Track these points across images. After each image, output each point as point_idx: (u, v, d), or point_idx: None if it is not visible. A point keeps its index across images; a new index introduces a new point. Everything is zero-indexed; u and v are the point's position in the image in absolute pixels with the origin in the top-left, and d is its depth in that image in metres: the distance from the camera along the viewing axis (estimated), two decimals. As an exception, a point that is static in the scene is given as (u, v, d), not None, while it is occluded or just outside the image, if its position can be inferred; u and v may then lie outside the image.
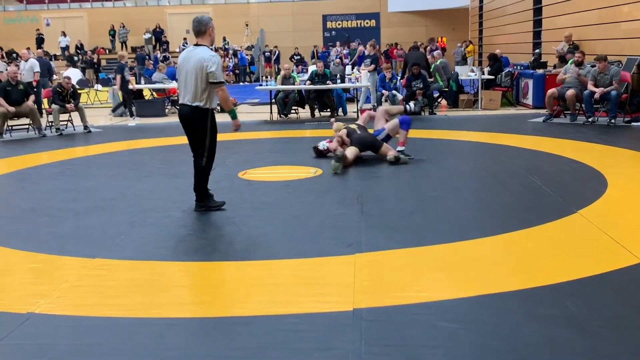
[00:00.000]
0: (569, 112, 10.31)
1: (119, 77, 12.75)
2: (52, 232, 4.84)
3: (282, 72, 12.68)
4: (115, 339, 2.97)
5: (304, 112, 12.77)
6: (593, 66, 10.04)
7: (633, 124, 9.58)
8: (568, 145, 8.06)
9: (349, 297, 3.37)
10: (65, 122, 11.08)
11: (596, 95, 9.63)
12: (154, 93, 14.52)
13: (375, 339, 2.88)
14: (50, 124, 10.91)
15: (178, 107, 5.45)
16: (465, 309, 3.20)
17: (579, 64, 10.24)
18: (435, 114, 12.25)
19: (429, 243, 4.26)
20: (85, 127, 10.96)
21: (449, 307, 3.23)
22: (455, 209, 5.19)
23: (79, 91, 16.58)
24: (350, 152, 7.10)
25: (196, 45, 5.15)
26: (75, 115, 11.15)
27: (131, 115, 13.09)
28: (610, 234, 4.28)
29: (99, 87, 19.09)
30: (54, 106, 10.79)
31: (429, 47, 16.33)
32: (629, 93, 9.89)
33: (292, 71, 13.65)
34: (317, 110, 12.34)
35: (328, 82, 12.10)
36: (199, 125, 5.08)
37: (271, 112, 12.31)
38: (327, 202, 5.61)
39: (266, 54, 28.20)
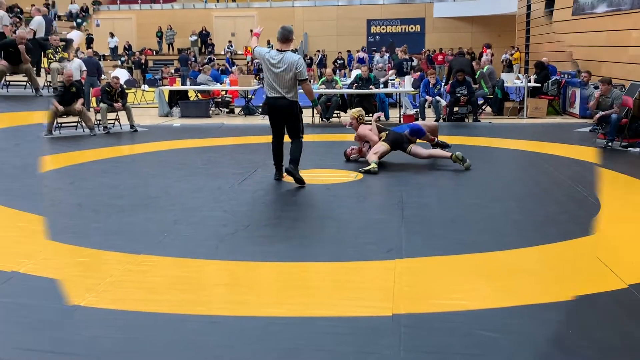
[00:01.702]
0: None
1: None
2: (98, 227, 4.97)
3: (325, 77, 12.74)
4: (159, 334, 3.04)
5: (346, 117, 12.79)
6: (597, 87, 9.85)
7: (630, 149, 9.23)
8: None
9: (388, 302, 3.37)
10: (113, 121, 11.34)
11: (595, 118, 9.46)
12: (198, 95, 14.75)
13: (414, 345, 2.88)
14: (98, 122, 11.18)
15: (270, 100, 6.47)
16: (504, 318, 3.17)
17: (584, 85, 10.10)
18: (479, 120, 12.12)
19: (469, 251, 4.23)
20: (132, 126, 11.19)
21: (487, 316, 3.20)
22: (497, 217, 5.13)
23: (126, 91, 16.99)
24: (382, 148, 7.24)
25: (280, 50, 6.31)
26: (122, 115, 11.40)
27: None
28: (601, 258, 4.14)
29: (146, 87, 19.47)
30: (102, 105, 11.05)
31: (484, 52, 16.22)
32: (629, 118, 9.61)
33: (336, 75, 13.69)
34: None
35: (371, 86, 12.09)
36: (295, 112, 6.41)
37: (313, 116, 12.36)
38: (367, 206, 5.62)
39: (310, 58, 28.29)
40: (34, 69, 10.97)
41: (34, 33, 12.05)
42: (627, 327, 3.05)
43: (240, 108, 14.50)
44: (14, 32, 12.48)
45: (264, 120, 13.16)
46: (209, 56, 28.86)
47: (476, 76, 12.84)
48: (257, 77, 23.63)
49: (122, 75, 17.68)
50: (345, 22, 30.44)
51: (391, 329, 3.04)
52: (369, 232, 4.69)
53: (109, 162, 8.04)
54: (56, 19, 26.33)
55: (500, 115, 12.96)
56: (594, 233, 4.59)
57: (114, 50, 29.60)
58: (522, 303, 3.35)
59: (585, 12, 14.08)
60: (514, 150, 8.71)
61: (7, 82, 10.54)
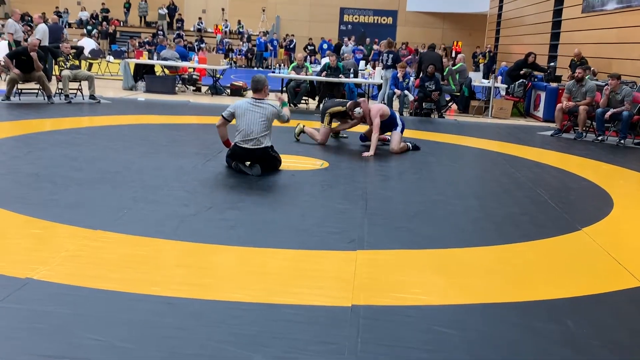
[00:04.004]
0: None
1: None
2: (54, 199, 4.83)
3: (295, 62, 12.65)
4: (113, 312, 2.97)
5: (314, 103, 12.76)
6: (606, 84, 10.01)
7: None
8: (576, 162, 8.06)
9: (348, 292, 3.36)
10: (75, 91, 11.06)
11: (607, 115, 9.62)
12: (165, 70, 14.49)
13: (372, 337, 2.88)
14: (59, 90, 10.89)
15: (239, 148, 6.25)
16: (462, 315, 3.20)
17: (579, 80, 10.21)
18: (444, 117, 12.23)
19: (430, 246, 4.25)
20: (93, 96, 10.93)
21: (445, 312, 3.22)
22: (459, 214, 5.18)
23: (90, 60, 16.60)
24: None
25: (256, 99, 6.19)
26: (84, 85, 11.13)
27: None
28: (613, 254, 4.27)
29: (111, 58, 19.05)
30: (64, 73, 10.77)
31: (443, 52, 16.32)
32: None
33: (305, 61, 13.61)
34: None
35: (340, 75, 12.06)
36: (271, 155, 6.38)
37: (281, 100, 12.28)
38: (331, 195, 5.60)
39: (285, 42, 28.12)
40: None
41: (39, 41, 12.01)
42: (576, 332, 3.11)
43: (207, 87, 14.31)
44: (26, 40, 12.59)
45: (231, 101, 13.03)
46: (177, 32, 28.40)
47: (444, 73, 12.93)
48: (226, 57, 23.35)
49: (89, 44, 17.27)
50: (318, 8, 30.31)
51: (350, 320, 3.03)
52: (332, 222, 4.68)
53: (68, 133, 7.83)
54: (67, 26, 25.78)
55: (466, 114, 13.10)
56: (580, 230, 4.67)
57: (85, 22, 28.97)
58: (480, 301, 3.39)
59: (595, 9, 14.13)
60: (477, 149, 8.81)
61: (19, 90, 10.43)
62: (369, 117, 7.78)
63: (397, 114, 8.35)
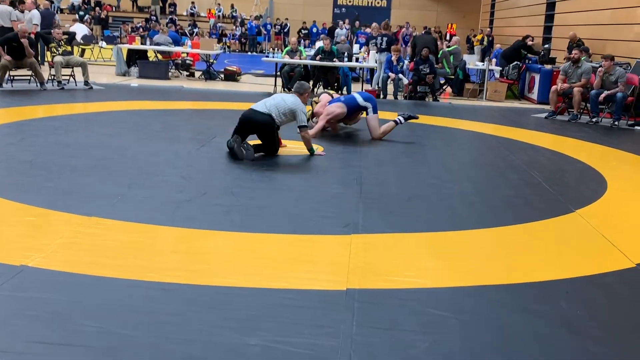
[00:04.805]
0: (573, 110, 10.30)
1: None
2: (49, 186, 4.82)
3: (289, 46, 12.59)
4: (109, 298, 2.97)
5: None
6: (600, 65, 9.99)
7: (636, 127, 9.58)
8: (570, 144, 8.07)
9: (343, 276, 3.37)
10: (68, 77, 10.99)
11: (601, 97, 9.62)
12: (158, 55, 14.40)
13: (367, 320, 2.89)
14: (52, 77, 10.82)
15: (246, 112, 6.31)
16: (457, 298, 3.22)
17: (576, 62, 10.19)
18: (438, 100, 12.21)
19: (425, 230, 4.27)
20: (87, 82, 10.87)
21: (440, 295, 3.24)
22: (453, 198, 5.19)
23: (82, 46, 16.46)
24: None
25: None
26: (77, 71, 11.06)
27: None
28: (607, 236, 4.29)
29: (103, 44, 18.90)
30: (56, 59, 10.69)
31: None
32: (635, 96, 9.86)
33: (300, 45, 13.55)
34: (321, 87, 12.27)
35: (335, 59, 12.00)
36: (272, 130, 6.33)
37: (275, 85, 12.25)
38: (326, 180, 5.61)
39: (277, 26, 27.96)
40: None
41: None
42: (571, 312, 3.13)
43: (200, 72, 14.24)
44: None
45: (225, 86, 12.98)
46: (170, 16, 28.20)
47: (439, 55, 12.89)
48: (220, 42, 23.21)
49: (81, 30, 17.12)
50: (312, -9, 30.09)
51: (345, 304, 3.05)
52: (327, 206, 4.69)
53: (62, 120, 7.79)
54: (58, 12, 25.53)
55: (460, 96, 13.08)
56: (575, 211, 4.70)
57: (77, 8, 28.74)
58: (474, 284, 3.41)
59: None
60: (472, 132, 8.81)
61: (12, 77, 10.39)
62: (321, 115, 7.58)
63: (359, 97, 7.66)
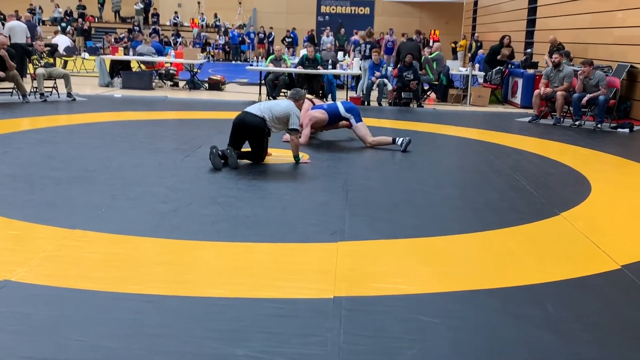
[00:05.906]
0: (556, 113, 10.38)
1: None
2: (32, 199, 4.77)
3: (274, 54, 12.59)
4: (93, 311, 2.94)
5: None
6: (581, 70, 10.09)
7: (619, 130, 9.68)
8: (554, 147, 8.12)
9: (330, 284, 3.36)
10: (50, 89, 10.92)
11: (584, 101, 9.71)
12: (141, 65, 14.34)
13: (354, 328, 2.88)
14: (34, 89, 10.74)
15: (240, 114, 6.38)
16: (444, 304, 3.22)
17: (557, 66, 10.29)
18: (422, 106, 12.26)
19: (411, 236, 4.27)
20: (70, 94, 10.80)
21: (428, 301, 3.24)
22: (439, 203, 5.20)
23: (65, 58, 16.37)
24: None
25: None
26: (60, 83, 10.99)
27: None
28: (592, 238, 4.32)
29: (86, 55, 18.81)
30: (38, 71, 10.62)
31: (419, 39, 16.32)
32: (617, 99, 9.97)
33: (284, 53, 13.56)
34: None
35: (319, 67, 12.02)
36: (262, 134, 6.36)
37: (260, 93, 12.24)
38: (312, 188, 5.60)
39: (260, 34, 27.99)
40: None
41: (9, 38, 11.84)
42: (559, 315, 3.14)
43: (184, 82, 14.20)
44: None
45: (209, 95, 12.95)
46: (153, 26, 28.14)
47: (421, 61, 12.95)
48: (204, 51, 23.17)
49: (63, 41, 17.03)
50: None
51: (332, 312, 3.04)
52: (314, 214, 4.68)
53: (45, 132, 7.73)
54: (40, 24, 25.42)
55: (444, 102, 13.15)
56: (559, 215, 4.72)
57: (59, 20, 28.62)
58: (461, 289, 3.41)
59: None
60: (457, 137, 8.85)
61: None
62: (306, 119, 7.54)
63: (342, 107, 7.59)
